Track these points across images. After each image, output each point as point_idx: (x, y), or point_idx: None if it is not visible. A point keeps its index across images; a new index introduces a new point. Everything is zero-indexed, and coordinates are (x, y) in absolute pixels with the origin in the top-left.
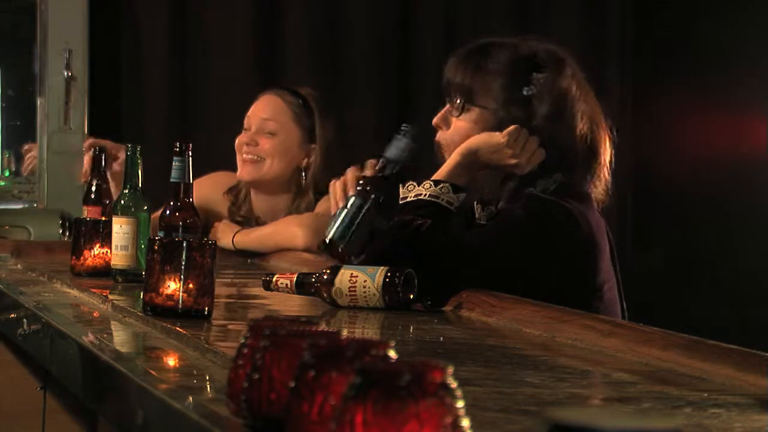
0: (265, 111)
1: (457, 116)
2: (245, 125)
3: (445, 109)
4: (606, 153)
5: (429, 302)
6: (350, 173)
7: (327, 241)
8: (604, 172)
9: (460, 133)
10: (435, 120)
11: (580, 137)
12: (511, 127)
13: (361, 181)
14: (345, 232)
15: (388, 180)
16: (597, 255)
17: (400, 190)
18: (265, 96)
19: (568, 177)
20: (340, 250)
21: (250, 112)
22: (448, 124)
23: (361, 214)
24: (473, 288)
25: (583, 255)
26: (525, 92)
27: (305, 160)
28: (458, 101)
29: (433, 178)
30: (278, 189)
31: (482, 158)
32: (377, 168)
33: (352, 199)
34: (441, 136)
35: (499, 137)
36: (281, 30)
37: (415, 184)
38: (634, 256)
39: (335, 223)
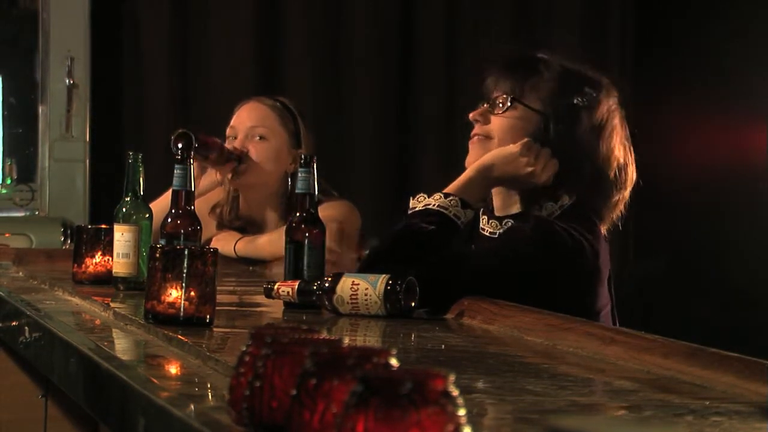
0: (251, 118)
1: (502, 112)
2: (230, 134)
3: (484, 106)
4: (629, 189)
5: (427, 311)
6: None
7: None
8: (621, 206)
9: (502, 127)
10: (473, 114)
11: (613, 164)
12: (524, 140)
13: (293, 225)
14: (302, 273)
15: (314, 212)
16: (598, 283)
17: (411, 201)
18: (247, 104)
19: (581, 199)
20: (306, 288)
21: (233, 122)
22: (486, 120)
23: (305, 249)
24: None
25: (586, 286)
26: (576, 101)
27: (292, 166)
28: (506, 97)
29: (444, 191)
30: (269, 195)
31: (497, 172)
32: (299, 205)
33: (291, 246)
34: (480, 129)
35: (512, 148)
36: (282, 37)
37: (425, 195)
38: (636, 263)
39: (290, 271)
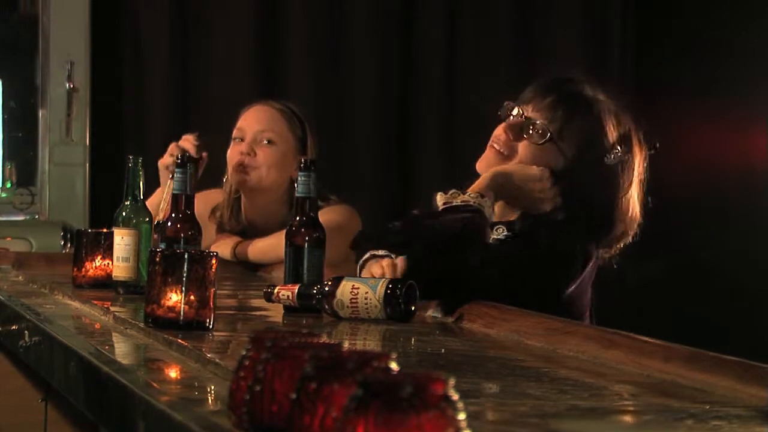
0: (259, 121)
1: (539, 143)
2: (237, 136)
3: (520, 121)
4: (633, 232)
5: (443, 313)
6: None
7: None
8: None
9: (527, 156)
10: (505, 126)
11: (625, 220)
12: (544, 168)
13: (293, 229)
14: (302, 277)
15: (314, 216)
16: (585, 288)
17: (439, 196)
18: (256, 107)
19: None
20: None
21: (240, 124)
22: (517, 138)
23: (305, 253)
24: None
25: (575, 291)
26: (606, 159)
27: (297, 172)
28: (544, 132)
29: (469, 192)
30: (273, 199)
31: (515, 184)
32: (299, 209)
33: (291, 249)
34: (504, 145)
35: (535, 170)
36: (282, 37)
37: (459, 192)
38: (636, 266)
39: (289, 277)
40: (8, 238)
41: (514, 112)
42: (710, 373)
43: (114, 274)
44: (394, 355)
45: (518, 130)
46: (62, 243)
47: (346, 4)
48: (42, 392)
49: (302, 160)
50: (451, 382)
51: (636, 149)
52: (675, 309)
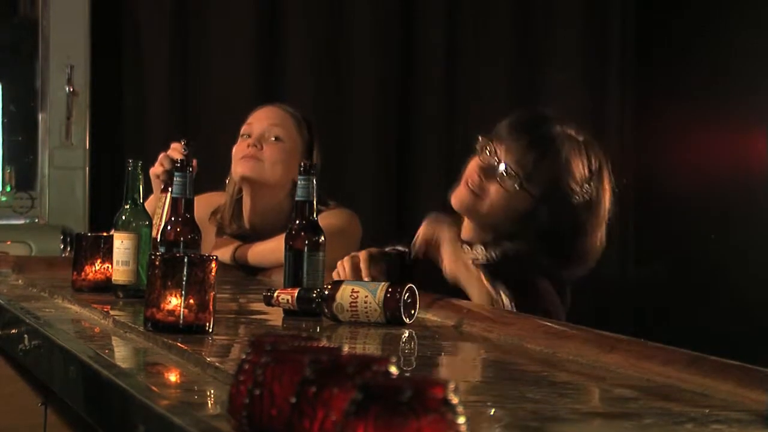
0: (269, 118)
1: (510, 190)
2: (245, 132)
3: (494, 161)
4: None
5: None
6: None
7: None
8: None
9: (498, 199)
10: (480, 162)
11: (590, 250)
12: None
13: (293, 232)
14: (301, 281)
15: (314, 220)
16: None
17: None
18: (265, 107)
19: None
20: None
21: (250, 120)
22: (489, 177)
23: (305, 257)
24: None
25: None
26: (574, 200)
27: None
28: (515, 177)
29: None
30: (275, 201)
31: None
32: (299, 213)
33: (291, 253)
34: (477, 185)
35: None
36: (282, 39)
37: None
38: (636, 269)
39: (289, 280)
40: (8, 242)
41: (488, 151)
42: (710, 377)
43: (114, 278)
44: (393, 359)
45: (490, 172)
46: (62, 247)
47: (346, 4)
48: (42, 396)
49: (302, 164)
50: (451, 386)
51: (606, 183)
52: (675, 311)
